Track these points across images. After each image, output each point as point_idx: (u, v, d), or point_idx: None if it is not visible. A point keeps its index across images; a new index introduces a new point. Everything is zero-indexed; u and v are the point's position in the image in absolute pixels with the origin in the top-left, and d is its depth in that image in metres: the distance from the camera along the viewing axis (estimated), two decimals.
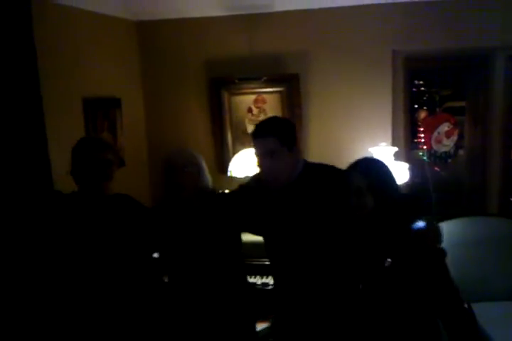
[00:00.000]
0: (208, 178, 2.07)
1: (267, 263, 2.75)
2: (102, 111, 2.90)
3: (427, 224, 1.68)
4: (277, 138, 1.80)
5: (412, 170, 3.15)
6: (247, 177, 3.05)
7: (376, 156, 3.03)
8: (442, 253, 1.71)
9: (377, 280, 1.74)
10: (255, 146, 1.84)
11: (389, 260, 1.70)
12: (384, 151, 3.04)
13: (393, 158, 3.08)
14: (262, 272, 2.83)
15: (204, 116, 3.45)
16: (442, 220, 3.20)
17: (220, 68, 3.35)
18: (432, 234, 1.69)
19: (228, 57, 3.33)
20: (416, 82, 3.92)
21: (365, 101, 3.28)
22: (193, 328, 2.03)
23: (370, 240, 1.74)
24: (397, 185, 1.79)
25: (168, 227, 2.03)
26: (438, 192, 3.72)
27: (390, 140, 3.28)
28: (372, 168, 1.76)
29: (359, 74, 3.27)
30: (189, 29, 3.36)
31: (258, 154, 1.84)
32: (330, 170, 1.94)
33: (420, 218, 1.70)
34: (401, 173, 3.02)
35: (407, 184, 3.19)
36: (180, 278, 2.05)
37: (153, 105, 3.50)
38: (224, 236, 2.03)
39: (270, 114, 3.35)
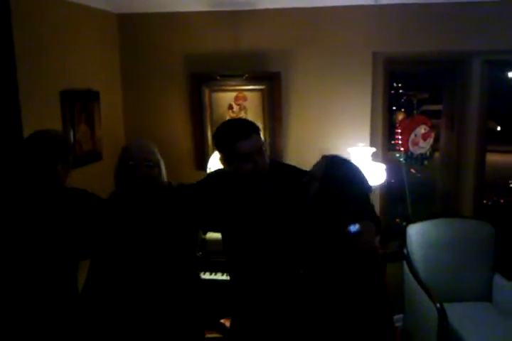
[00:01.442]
0: (164, 172, 2.04)
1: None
2: (79, 103, 2.84)
3: (361, 226, 1.71)
4: (257, 133, 1.82)
5: (388, 171, 3.19)
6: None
7: (350, 156, 3.07)
8: (376, 257, 1.79)
9: (317, 271, 1.81)
10: (241, 148, 1.78)
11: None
12: (362, 152, 3.07)
13: (371, 158, 3.12)
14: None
15: (184, 111, 3.43)
16: (416, 221, 3.29)
17: (202, 64, 3.33)
18: (366, 237, 1.72)
19: (210, 53, 3.31)
20: (394, 84, 3.97)
21: (344, 101, 3.31)
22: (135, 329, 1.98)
23: (312, 233, 1.80)
24: (353, 183, 1.80)
25: (121, 222, 1.98)
26: (413, 193, 3.78)
27: (368, 141, 3.32)
28: (336, 161, 1.81)
29: (340, 74, 3.29)
30: (171, 23, 3.32)
31: (245, 155, 1.79)
32: (297, 170, 1.98)
33: (357, 220, 1.73)
34: (378, 174, 3.06)
35: (383, 184, 3.25)
36: (124, 277, 1.99)
37: (132, 99, 3.46)
38: (178, 233, 2.01)
39: (250, 112, 3.35)
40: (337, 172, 1.77)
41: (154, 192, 1.98)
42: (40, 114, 2.50)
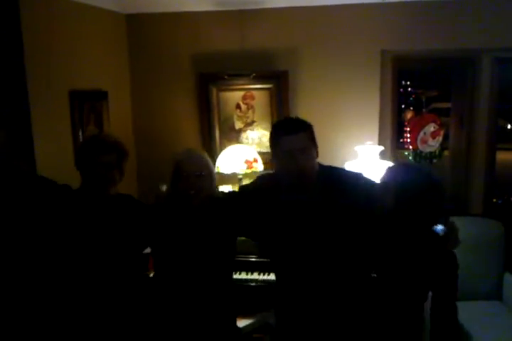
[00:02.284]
0: (216, 183, 2.02)
1: (253, 259, 2.81)
2: (88, 103, 2.87)
3: (448, 226, 1.70)
4: (306, 134, 1.81)
5: None
6: (234, 173, 3.05)
7: (358, 154, 3.06)
8: (454, 256, 1.76)
9: (391, 272, 1.77)
10: (285, 144, 1.78)
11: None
12: (370, 150, 3.06)
13: (379, 157, 3.10)
14: (248, 268, 2.85)
15: (192, 111, 3.44)
16: None
17: (209, 63, 3.34)
18: (453, 237, 1.71)
19: (218, 53, 3.32)
20: (403, 82, 3.95)
21: (352, 99, 3.30)
22: (177, 325, 2.00)
23: (392, 235, 1.76)
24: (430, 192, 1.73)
25: (167, 227, 1.97)
26: None
27: (376, 139, 3.31)
28: (408, 172, 1.74)
29: (348, 72, 3.28)
30: (179, 23, 3.34)
31: (288, 151, 1.78)
32: (348, 174, 1.97)
33: (441, 219, 1.72)
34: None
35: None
36: (169, 276, 2.00)
37: (141, 98, 3.48)
38: (222, 241, 1.99)
39: (258, 111, 3.36)
40: (406, 178, 1.70)
41: (206, 202, 1.96)
42: (50, 114, 2.53)
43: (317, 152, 1.87)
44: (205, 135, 3.43)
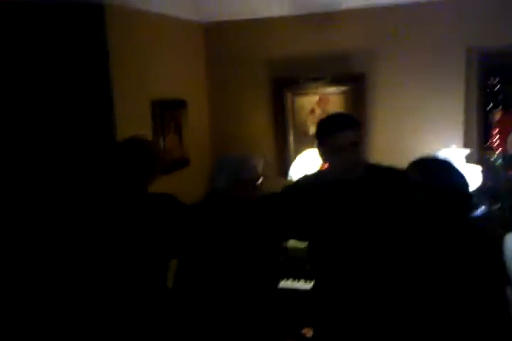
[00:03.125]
0: None
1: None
2: (169, 113, 2.97)
3: (487, 212, 1.63)
4: (359, 128, 1.83)
5: (484, 173, 2.97)
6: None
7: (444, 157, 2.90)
8: (497, 242, 1.73)
9: (431, 280, 1.70)
10: (341, 139, 1.78)
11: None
12: (455, 153, 2.89)
13: (465, 160, 2.92)
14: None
15: (267, 117, 3.45)
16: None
17: (285, 68, 3.33)
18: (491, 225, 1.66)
19: (293, 57, 3.30)
20: (492, 79, 3.68)
21: (435, 101, 3.14)
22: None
23: (425, 238, 1.71)
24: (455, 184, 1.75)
25: (209, 228, 1.99)
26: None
27: (461, 142, 3.12)
28: (431, 166, 1.77)
29: (429, 73, 3.13)
30: (255, 30, 3.36)
31: (342, 147, 1.78)
32: (390, 170, 1.92)
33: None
34: (473, 177, 2.86)
35: (479, 188, 3.02)
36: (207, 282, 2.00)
37: (218, 106, 3.54)
38: (265, 244, 2.00)
39: None
40: (434, 172, 1.72)
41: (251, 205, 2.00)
42: (133, 123, 2.64)
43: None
44: (280, 141, 3.42)
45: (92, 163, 2.32)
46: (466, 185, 1.76)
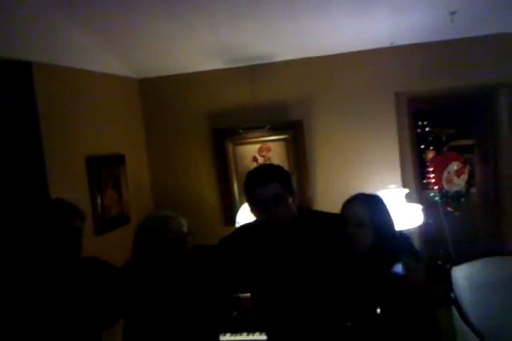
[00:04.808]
0: None
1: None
2: (106, 168, 2.87)
3: (406, 266, 1.63)
4: (279, 182, 1.78)
5: (424, 211, 3.06)
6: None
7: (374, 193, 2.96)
8: (426, 298, 1.69)
9: (366, 321, 1.69)
10: (258, 195, 1.76)
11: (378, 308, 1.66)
12: (394, 193, 2.96)
13: (405, 199, 3.00)
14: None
15: (209, 167, 3.42)
16: (460, 263, 3.09)
17: (223, 119, 3.36)
18: (412, 276, 1.64)
19: (231, 108, 3.34)
20: (420, 122, 3.91)
21: (370, 144, 3.25)
22: None
23: (362, 281, 1.70)
24: (392, 221, 1.79)
25: (145, 287, 1.90)
26: (453, 233, 3.60)
27: (399, 182, 3.21)
28: (373, 201, 1.79)
29: (363, 117, 3.26)
30: (191, 83, 3.40)
31: (262, 201, 1.76)
32: (325, 215, 1.93)
33: (401, 258, 1.67)
34: (414, 215, 2.93)
35: (420, 226, 3.09)
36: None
37: (157, 159, 3.49)
38: (204, 295, 1.93)
39: (276, 162, 3.30)
40: (381, 214, 1.73)
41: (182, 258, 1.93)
42: (67, 181, 2.52)
43: (294, 198, 1.84)
44: (224, 190, 3.38)
45: (22, 227, 2.15)
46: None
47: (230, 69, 3.31)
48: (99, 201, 2.76)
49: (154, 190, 3.48)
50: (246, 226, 2.06)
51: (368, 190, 3.03)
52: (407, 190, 3.03)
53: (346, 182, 3.26)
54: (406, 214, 2.88)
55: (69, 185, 2.54)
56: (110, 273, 1.98)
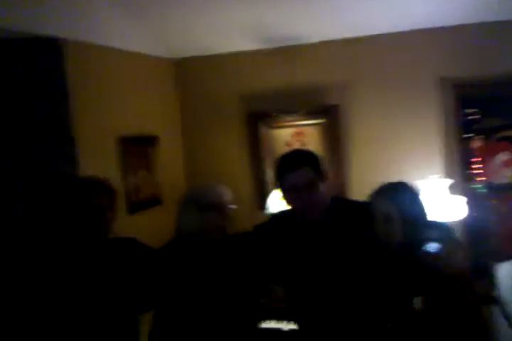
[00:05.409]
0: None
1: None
2: (138, 149, 2.85)
3: (440, 246, 1.50)
4: (311, 167, 1.70)
5: (469, 204, 2.87)
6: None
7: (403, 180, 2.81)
8: (468, 287, 1.57)
9: (406, 320, 1.60)
10: (289, 180, 1.69)
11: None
12: (436, 184, 2.79)
13: (448, 191, 2.82)
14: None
15: (242, 151, 3.36)
16: (505, 259, 2.89)
17: (258, 102, 3.27)
18: (447, 258, 1.51)
19: (266, 91, 3.25)
20: (467, 110, 3.67)
21: (411, 131, 3.08)
22: None
23: (399, 276, 1.59)
24: (423, 210, 1.68)
25: (182, 270, 1.84)
26: (498, 227, 3.38)
27: (441, 172, 3.03)
28: (400, 192, 1.69)
29: (404, 103, 3.09)
30: (227, 64, 3.33)
31: (294, 187, 1.69)
32: (359, 205, 1.83)
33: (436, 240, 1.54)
34: (458, 208, 2.75)
35: (464, 219, 2.91)
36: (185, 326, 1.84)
37: (191, 142, 3.45)
38: (240, 281, 1.85)
39: (310, 147, 3.20)
40: (409, 205, 1.62)
41: (226, 239, 1.86)
42: (97, 159, 2.51)
43: (327, 185, 1.75)
44: (256, 174, 3.31)
45: (51, 206, 2.14)
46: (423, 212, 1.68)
47: (267, 50, 3.21)
48: (131, 181, 2.74)
49: (187, 173, 3.45)
50: (280, 214, 1.98)
51: (407, 179, 2.95)
52: (450, 181, 2.85)
53: (383, 170, 3.09)
54: (449, 207, 2.72)
55: (100, 163, 2.53)
56: (148, 254, 1.90)
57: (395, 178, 2.96)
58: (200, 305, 1.80)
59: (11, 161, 2.21)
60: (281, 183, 1.74)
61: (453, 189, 2.88)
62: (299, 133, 3.21)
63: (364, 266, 1.67)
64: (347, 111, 3.15)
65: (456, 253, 1.54)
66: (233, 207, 1.85)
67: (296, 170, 1.68)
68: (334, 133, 3.15)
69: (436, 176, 2.86)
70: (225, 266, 1.84)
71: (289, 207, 1.81)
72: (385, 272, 1.63)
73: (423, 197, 1.70)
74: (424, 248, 1.49)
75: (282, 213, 1.96)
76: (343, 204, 1.85)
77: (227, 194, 1.88)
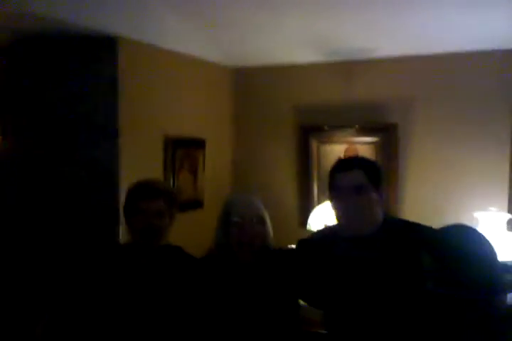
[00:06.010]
0: (271, 231, 1.77)
1: None
2: (183, 150, 2.85)
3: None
4: (364, 171, 1.57)
5: None
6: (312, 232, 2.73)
7: (477, 222, 2.57)
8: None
9: None
10: (338, 181, 1.59)
11: None
12: (493, 217, 2.55)
13: (506, 226, 2.57)
14: None
15: (291, 163, 3.28)
16: None
17: (312, 115, 3.19)
18: None
19: (321, 104, 3.16)
20: None
21: (475, 158, 2.85)
22: None
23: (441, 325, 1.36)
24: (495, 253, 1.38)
25: (218, 288, 1.72)
26: None
27: (504, 205, 2.78)
28: (453, 246, 1.36)
29: (470, 127, 2.87)
30: (283, 75, 3.28)
31: (341, 188, 1.57)
32: (415, 228, 1.64)
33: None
34: None
35: None
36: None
37: (240, 149, 3.42)
38: (282, 304, 1.70)
39: None
40: (451, 260, 1.34)
41: (261, 253, 1.73)
42: (141, 158, 2.54)
43: (381, 198, 1.60)
44: (303, 189, 3.21)
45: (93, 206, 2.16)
46: (493, 272, 1.35)
47: (325, 63, 3.13)
48: (171, 181, 2.74)
49: (232, 179, 3.42)
50: (328, 228, 1.85)
51: (463, 209, 2.74)
52: (509, 216, 2.60)
53: (439, 196, 2.90)
54: (504, 245, 2.47)
55: (143, 162, 2.55)
56: (193, 266, 1.80)
57: (450, 206, 2.80)
58: (233, 325, 1.68)
59: (56, 156, 2.26)
60: (330, 184, 1.64)
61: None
62: (351, 150, 3.07)
63: (404, 298, 1.50)
64: (405, 130, 2.98)
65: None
66: (256, 220, 1.71)
67: (348, 171, 1.58)
68: (390, 153, 2.98)
69: (494, 209, 2.62)
70: (259, 285, 1.71)
71: (335, 222, 1.67)
72: (422, 315, 1.41)
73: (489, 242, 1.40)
74: (500, 299, 1.28)
75: (329, 228, 1.83)
76: (397, 224, 1.68)
77: (258, 207, 1.75)
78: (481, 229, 2.61)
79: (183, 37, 2.59)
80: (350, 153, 3.07)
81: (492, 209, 2.62)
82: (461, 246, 1.34)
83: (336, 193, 1.60)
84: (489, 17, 2.39)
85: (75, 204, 2.31)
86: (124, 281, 1.72)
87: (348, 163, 1.66)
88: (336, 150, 3.11)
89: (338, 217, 1.62)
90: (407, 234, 1.60)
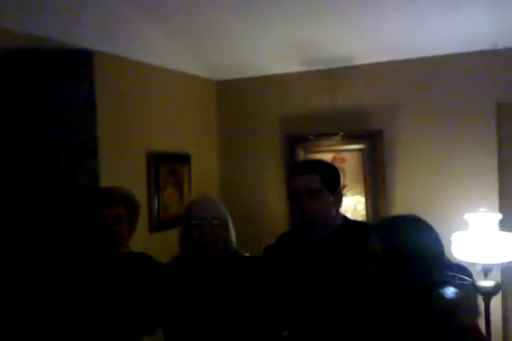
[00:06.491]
0: (233, 232, 1.79)
1: None
2: (167, 165, 2.82)
3: (459, 292, 1.26)
4: (319, 175, 1.61)
5: None
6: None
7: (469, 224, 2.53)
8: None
9: None
10: (294, 184, 1.63)
11: None
12: (485, 218, 2.51)
13: (498, 227, 2.53)
14: None
15: (279, 174, 3.24)
16: None
17: (297, 125, 3.18)
18: (464, 305, 1.26)
19: (305, 113, 3.15)
20: None
21: (463, 160, 2.83)
22: None
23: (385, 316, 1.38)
24: (440, 249, 1.40)
25: (182, 291, 1.73)
26: None
27: (495, 205, 2.74)
28: (398, 230, 1.40)
29: (456, 130, 2.86)
30: (267, 86, 3.28)
31: (297, 193, 1.61)
32: (368, 228, 1.62)
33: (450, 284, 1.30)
34: (507, 247, 2.45)
35: None
36: None
37: (227, 162, 3.40)
38: (245, 307, 1.69)
39: (350, 175, 3.03)
40: (405, 244, 1.36)
41: (222, 255, 1.74)
42: (122, 174, 2.50)
43: (338, 200, 1.65)
44: None
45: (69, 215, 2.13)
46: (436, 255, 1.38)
47: (307, 72, 3.13)
48: (156, 198, 2.70)
49: (220, 193, 3.38)
50: (286, 234, 1.84)
51: (453, 211, 2.70)
52: (500, 216, 2.55)
53: (429, 200, 2.86)
54: (496, 245, 2.43)
55: (125, 180, 2.49)
56: (156, 271, 1.81)
57: (440, 209, 2.76)
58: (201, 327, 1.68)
59: (33, 171, 2.22)
60: (287, 188, 1.69)
61: (505, 225, 2.58)
62: (338, 159, 3.04)
63: (352, 300, 1.52)
64: (391, 136, 2.96)
65: (474, 301, 1.31)
66: (216, 222, 1.71)
67: (303, 175, 1.61)
68: (377, 160, 2.95)
69: (485, 210, 2.58)
70: (221, 288, 1.72)
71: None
72: (370, 311, 1.44)
73: (437, 234, 1.42)
74: (439, 292, 1.26)
75: (289, 232, 1.83)
76: (354, 226, 1.70)
77: (217, 209, 1.76)
78: (473, 230, 2.58)
79: (164, 50, 2.60)
80: (337, 163, 3.04)
81: (483, 209, 2.58)
82: (407, 234, 1.37)
83: (291, 196, 1.65)
84: (467, 19, 2.41)
85: (54, 225, 2.26)
86: (82, 289, 1.69)
87: (304, 167, 1.70)
88: (322, 158, 3.08)
89: (295, 221, 1.63)
90: (360, 233, 1.58)
